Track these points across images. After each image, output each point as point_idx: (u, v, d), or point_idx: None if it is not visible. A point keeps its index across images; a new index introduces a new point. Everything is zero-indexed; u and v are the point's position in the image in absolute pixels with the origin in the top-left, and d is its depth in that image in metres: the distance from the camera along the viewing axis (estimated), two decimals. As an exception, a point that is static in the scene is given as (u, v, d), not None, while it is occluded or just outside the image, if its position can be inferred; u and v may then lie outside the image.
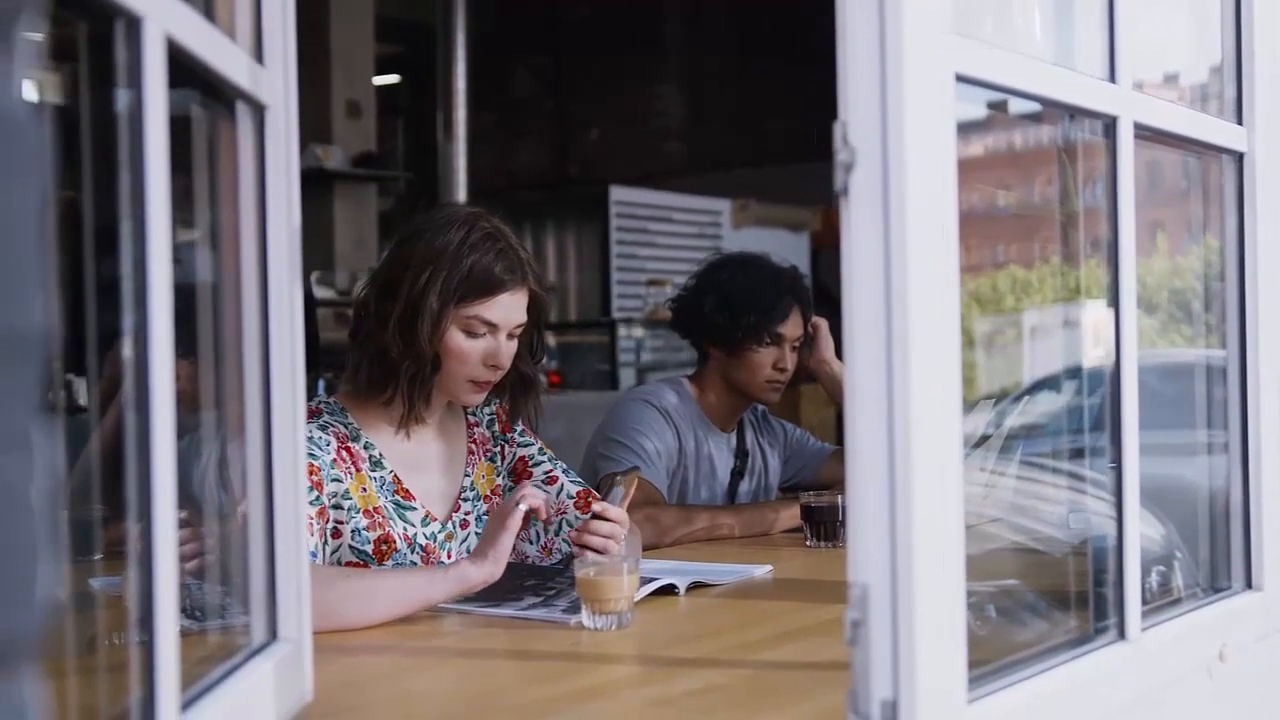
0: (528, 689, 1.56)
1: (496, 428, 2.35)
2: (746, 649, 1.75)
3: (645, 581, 2.00)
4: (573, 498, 2.29)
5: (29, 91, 0.59)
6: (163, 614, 0.99)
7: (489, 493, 2.31)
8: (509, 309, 2.15)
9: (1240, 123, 1.77)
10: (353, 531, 2.10)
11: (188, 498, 1.10)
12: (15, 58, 0.58)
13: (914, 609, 1.13)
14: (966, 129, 1.27)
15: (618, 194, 8.09)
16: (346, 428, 2.17)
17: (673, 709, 1.46)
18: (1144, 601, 1.52)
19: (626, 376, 7.25)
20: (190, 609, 1.31)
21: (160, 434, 0.98)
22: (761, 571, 2.30)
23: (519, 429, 2.37)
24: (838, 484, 2.92)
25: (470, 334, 2.13)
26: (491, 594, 1.99)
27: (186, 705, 1.06)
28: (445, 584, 1.90)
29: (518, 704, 1.50)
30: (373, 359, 2.15)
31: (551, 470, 2.33)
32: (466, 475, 2.28)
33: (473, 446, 2.31)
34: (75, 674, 1.19)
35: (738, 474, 3.07)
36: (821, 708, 1.44)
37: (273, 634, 1.33)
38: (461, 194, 8.48)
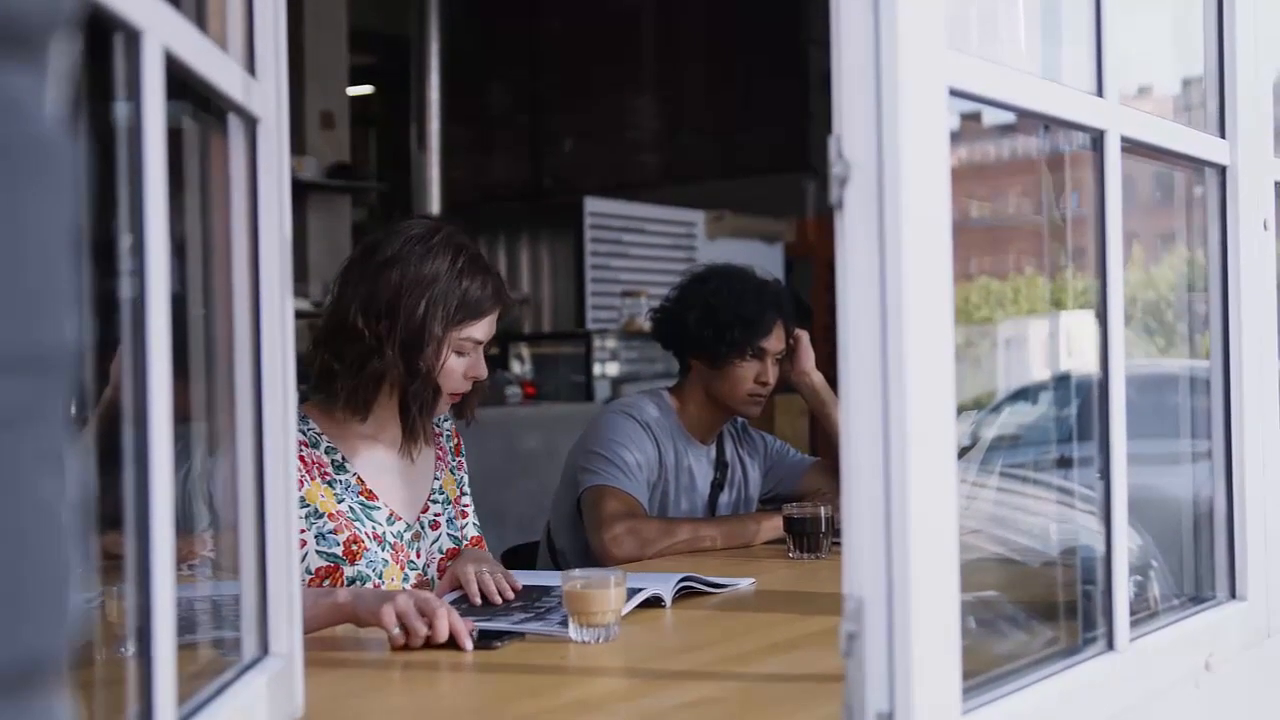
0: (518, 703, 1.56)
1: (451, 444, 2.43)
2: (736, 661, 1.75)
3: (632, 594, 1.99)
4: (466, 540, 2.36)
5: (60, 108, 0.59)
6: (160, 630, 0.98)
7: (454, 499, 2.38)
8: (492, 325, 2.26)
9: (1223, 136, 1.79)
10: (318, 536, 2.14)
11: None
12: (48, 78, 0.58)
13: (910, 621, 1.13)
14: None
15: (592, 205, 8.08)
16: (305, 434, 2.20)
17: (666, 722, 1.46)
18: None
19: (601, 388, 7.23)
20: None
21: (158, 448, 0.97)
22: (746, 584, 2.30)
23: (463, 454, 2.45)
24: (818, 495, 2.92)
25: (460, 353, 2.22)
26: (482, 610, 1.99)
27: (181, 721, 1.06)
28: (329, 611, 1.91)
29: (508, 718, 1.49)
30: (369, 382, 2.18)
31: (468, 506, 2.42)
32: (436, 479, 2.35)
33: (440, 454, 2.38)
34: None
35: (718, 486, 3.06)
36: (813, 719, 1.44)
37: (264, 649, 1.33)
38: (435, 205, 8.46)
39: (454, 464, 2.41)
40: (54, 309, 0.56)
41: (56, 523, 0.55)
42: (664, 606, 2.06)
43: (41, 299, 0.55)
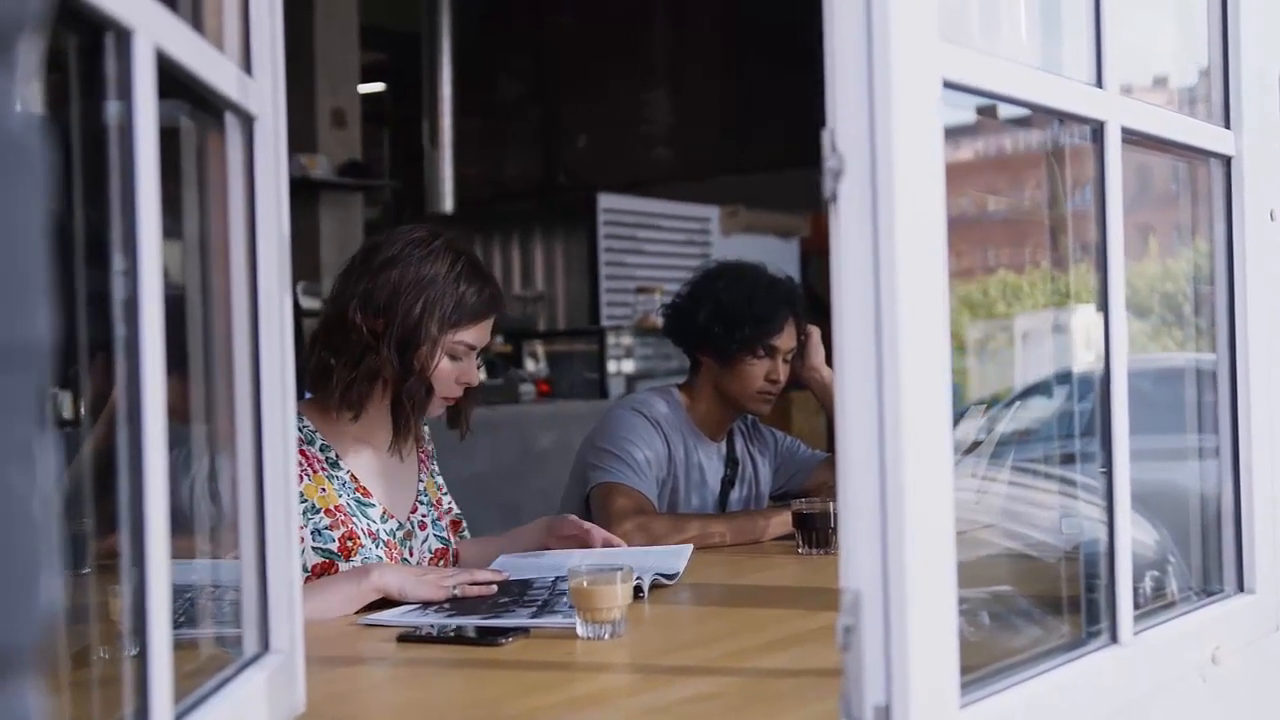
0: (522, 698, 1.56)
1: (431, 449, 2.48)
2: (740, 656, 1.74)
3: None
4: (431, 553, 2.38)
5: (29, 105, 0.60)
6: (156, 627, 0.98)
7: (436, 501, 2.43)
8: (485, 332, 2.31)
9: (1228, 126, 1.78)
10: (314, 533, 2.17)
11: (177, 511, 1.10)
12: (16, 73, 0.58)
13: (906, 614, 1.13)
14: (956, 134, 1.27)
15: (606, 201, 8.08)
16: (301, 432, 2.23)
17: (668, 716, 1.46)
18: (1137, 606, 1.52)
19: (616, 385, 7.24)
20: (179, 620, 1.30)
21: (152, 448, 0.97)
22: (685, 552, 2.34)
23: (435, 459, 2.50)
24: (829, 491, 2.92)
25: (453, 357, 2.26)
26: (479, 611, 1.98)
27: (179, 717, 1.06)
28: (361, 595, 2.03)
29: (512, 714, 1.50)
30: (364, 378, 2.22)
31: (451, 500, 2.49)
32: (420, 481, 2.40)
33: (423, 457, 2.44)
34: (64, 687, 1.18)
35: (729, 482, 3.06)
36: (815, 714, 1.44)
37: (265, 645, 1.33)
38: (449, 203, 8.47)
39: (433, 469, 2.47)
40: (26, 304, 0.56)
41: (28, 515, 0.56)
42: (642, 599, 2.07)
43: (13, 294, 0.56)
